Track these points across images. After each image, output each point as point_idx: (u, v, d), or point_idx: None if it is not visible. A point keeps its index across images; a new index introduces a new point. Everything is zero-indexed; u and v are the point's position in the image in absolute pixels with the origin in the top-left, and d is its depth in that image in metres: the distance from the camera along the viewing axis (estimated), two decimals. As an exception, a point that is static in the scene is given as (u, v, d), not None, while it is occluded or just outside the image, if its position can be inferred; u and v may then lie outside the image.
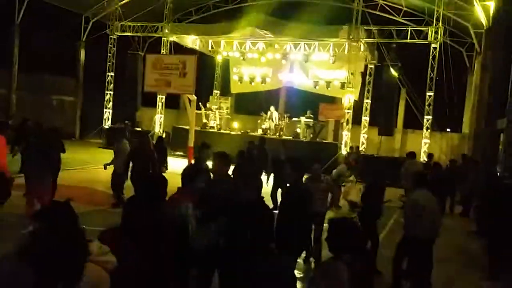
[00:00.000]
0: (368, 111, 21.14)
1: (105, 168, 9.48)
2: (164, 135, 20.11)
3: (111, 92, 22.23)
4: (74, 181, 9.85)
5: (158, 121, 21.20)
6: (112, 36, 21.87)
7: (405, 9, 20.02)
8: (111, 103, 22.25)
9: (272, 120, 20.10)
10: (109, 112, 22.24)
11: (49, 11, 20.21)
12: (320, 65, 21.01)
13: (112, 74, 22.17)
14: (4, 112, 19.53)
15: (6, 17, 19.22)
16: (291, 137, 19.17)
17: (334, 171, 12.05)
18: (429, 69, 18.00)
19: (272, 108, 20.41)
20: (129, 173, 9.34)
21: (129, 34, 21.70)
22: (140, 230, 2.94)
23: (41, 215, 2.20)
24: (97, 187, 10.23)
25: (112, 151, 9.80)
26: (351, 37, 17.73)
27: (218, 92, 24.28)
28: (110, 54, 22.01)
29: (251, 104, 23.01)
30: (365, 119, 21.10)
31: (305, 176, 5.88)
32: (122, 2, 21.18)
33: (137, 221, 3.04)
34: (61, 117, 22.76)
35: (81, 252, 2.17)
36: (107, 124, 22.03)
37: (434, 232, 6.00)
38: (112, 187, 9.42)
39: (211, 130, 20.37)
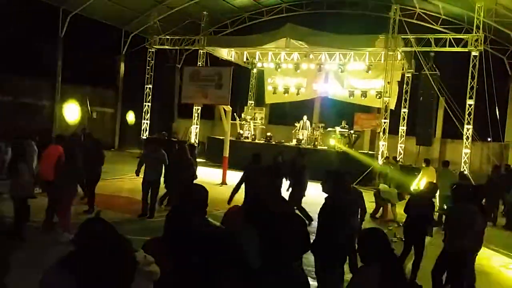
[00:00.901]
0: (405, 120, 20.75)
1: (137, 174, 9.68)
2: (199, 145, 20.45)
3: (149, 104, 22.80)
4: (114, 190, 10.14)
5: (194, 132, 21.54)
6: (150, 50, 22.47)
7: (443, 17, 19.66)
8: (149, 114, 22.81)
9: (306, 130, 20.08)
10: (147, 123, 22.79)
11: (91, 26, 21.00)
12: (356, 75, 20.84)
13: (150, 86, 22.75)
14: (47, 123, 20.37)
15: (50, 32, 20.09)
16: (325, 147, 19.06)
17: (382, 186, 11.85)
18: (469, 77, 17.53)
19: (304, 117, 20.38)
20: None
21: (167, 47, 22.24)
22: (182, 242, 3.01)
23: (76, 238, 2.24)
24: (136, 196, 10.46)
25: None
26: (388, 46, 17.54)
27: (253, 102, 24.46)
28: (148, 67, 22.60)
29: (285, 115, 23.06)
30: (402, 128, 20.72)
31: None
32: (160, 17, 21.76)
33: (179, 232, 3.11)
34: (101, 128, 23.51)
35: (128, 263, 2.22)
36: (145, 134, 22.56)
37: (476, 245, 5.83)
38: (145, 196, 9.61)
39: (245, 140, 20.54)
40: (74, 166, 7.86)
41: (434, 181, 10.98)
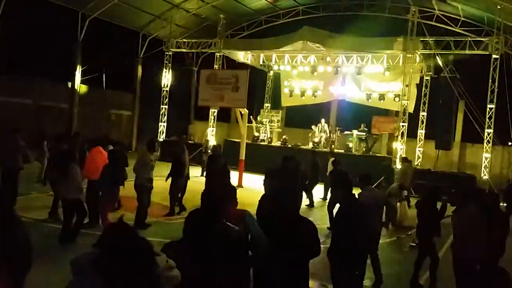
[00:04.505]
0: (424, 124, 20.47)
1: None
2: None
3: (166, 107, 22.93)
4: (131, 192, 10.15)
5: (210, 134, 21.57)
6: (167, 53, 22.61)
7: (463, 19, 19.36)
8: (165, 117, 22.94)
9: (324, 133, 19.96)
10: (163, 126, 22.92)
11: (109, 30, 21.26)
12: (373, 77, 20.62)
13: (167, 89, 22.88)
14: (66, 126, 20.64)
15: (69, 36, 20.38)
16: (342, 151, 18.91)
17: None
18: (490, 80, 17.22)
19: (322, 120, 20.26)
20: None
21: (183, 50, 22.35)
22: (202, 245, 2.98)
23: (99, 242, 2.22)
24: (153, 199, 10.49)
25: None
26: (406, 48, 17.34)
27: (269, 105, 24.41)
28: (165, 70, 22.74)
29: (302, 117, 22.95)
30: (421, 132, 20.44)
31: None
32: (177, 20, 21.88)
33: (199, 235, 3.08)
34: (118, 131, 23.75)
35: (148, 268, 2.19)
36: (161, 137, 22.69)
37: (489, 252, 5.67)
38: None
39: (261, 143, 20.50)
40: (117, 169, 8.12)
41: None
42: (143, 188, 8.89)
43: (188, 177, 11.03)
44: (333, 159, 13.52)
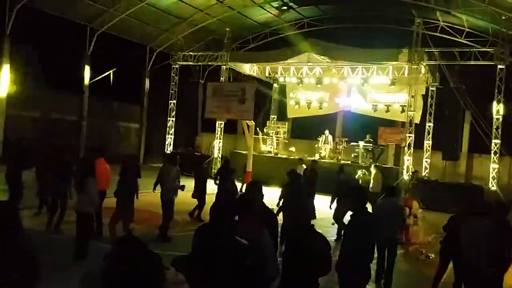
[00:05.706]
0: (430, 135, 20.44)
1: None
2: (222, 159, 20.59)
3: (173, 119, 23.11)
4: (140, 204, 10.21)
5: (217, 146, 21.66)
6: (174, 66, 22.85)
7: (467, 30, 19.44)
8: (173, 129, 23.10)
9: (328, 144, 20.01)
10: (171, 138, 23.07)
11: (117, 43, 21.54)
12: (379, 89, 20.69)
13: (175, 101, 23.08)
14: (76, 138, 20.85)
15: (78, 49, 20.68)
16: (349, 162, 18.90)
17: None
18: (496, 90, 17.22)
19: (326, 132, 20.32)
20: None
21: (190, 63, 22.58)
22: (209, 259, 3.03)
23: (109, 255, 2.27)
24: (161, 210, 10.54)
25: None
26: (411, 60, 17.41)
27: (275, 117, 24.52)
28: (172, 83, 22.96)
29: (308, 129, 23.01)
30: (428, 143, 20.39)
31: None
32: (184, 34, 22.15)
33: (206, 249, 3.13)
34: (126, 143, 23.94)
35: (156, 282, 2.23)
36: (169, 149, 22.83)
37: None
38: None
39: (268, 154, 20.56)
40: (128, 183, 8.40)
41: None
42: (168, 202, 9.26)
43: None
44: (304, 167, 13.53)
